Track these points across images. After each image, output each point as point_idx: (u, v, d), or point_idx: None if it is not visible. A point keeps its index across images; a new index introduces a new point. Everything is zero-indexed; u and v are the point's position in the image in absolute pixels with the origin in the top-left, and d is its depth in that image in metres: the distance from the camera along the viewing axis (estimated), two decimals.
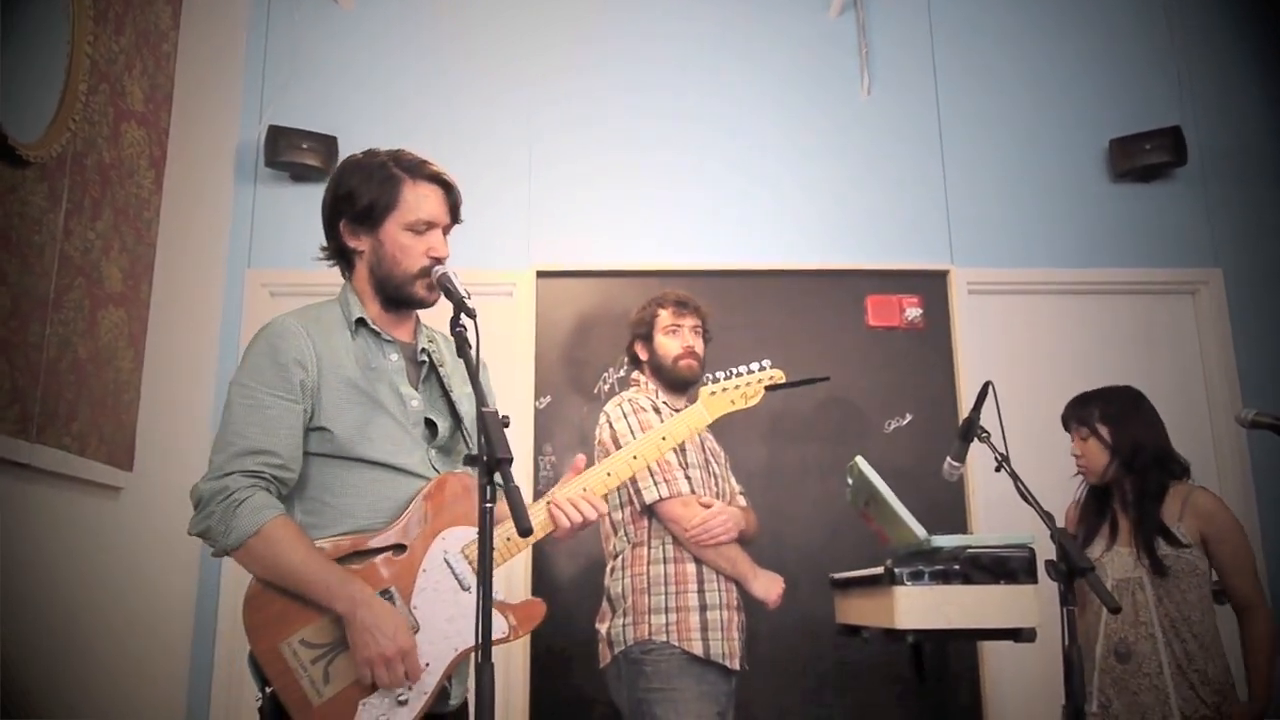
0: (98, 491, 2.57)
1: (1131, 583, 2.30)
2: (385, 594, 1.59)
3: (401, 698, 1.56)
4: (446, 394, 1.78)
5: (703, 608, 2.33)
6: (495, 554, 1.44)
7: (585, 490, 1.77)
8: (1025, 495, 1.98)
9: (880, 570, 2.09)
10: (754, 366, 2.17)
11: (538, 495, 3.05)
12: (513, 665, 3.10)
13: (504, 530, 1.61)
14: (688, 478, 2.40)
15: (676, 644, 2.28)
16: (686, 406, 2.24)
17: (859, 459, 2.28)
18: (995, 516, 3.25)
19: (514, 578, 3.16)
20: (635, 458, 1.92)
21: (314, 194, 1.84)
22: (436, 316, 1.75)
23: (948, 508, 3.25)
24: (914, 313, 3.47)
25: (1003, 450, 2.05)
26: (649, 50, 3.67)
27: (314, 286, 2.78)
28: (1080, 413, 2.42)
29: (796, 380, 2.27)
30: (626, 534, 2.43)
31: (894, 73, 3.70)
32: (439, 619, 1.61)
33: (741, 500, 2.61)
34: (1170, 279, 3.53)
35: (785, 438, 3.36)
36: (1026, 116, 3.66)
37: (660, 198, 3.55)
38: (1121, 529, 2.38)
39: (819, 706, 3.14)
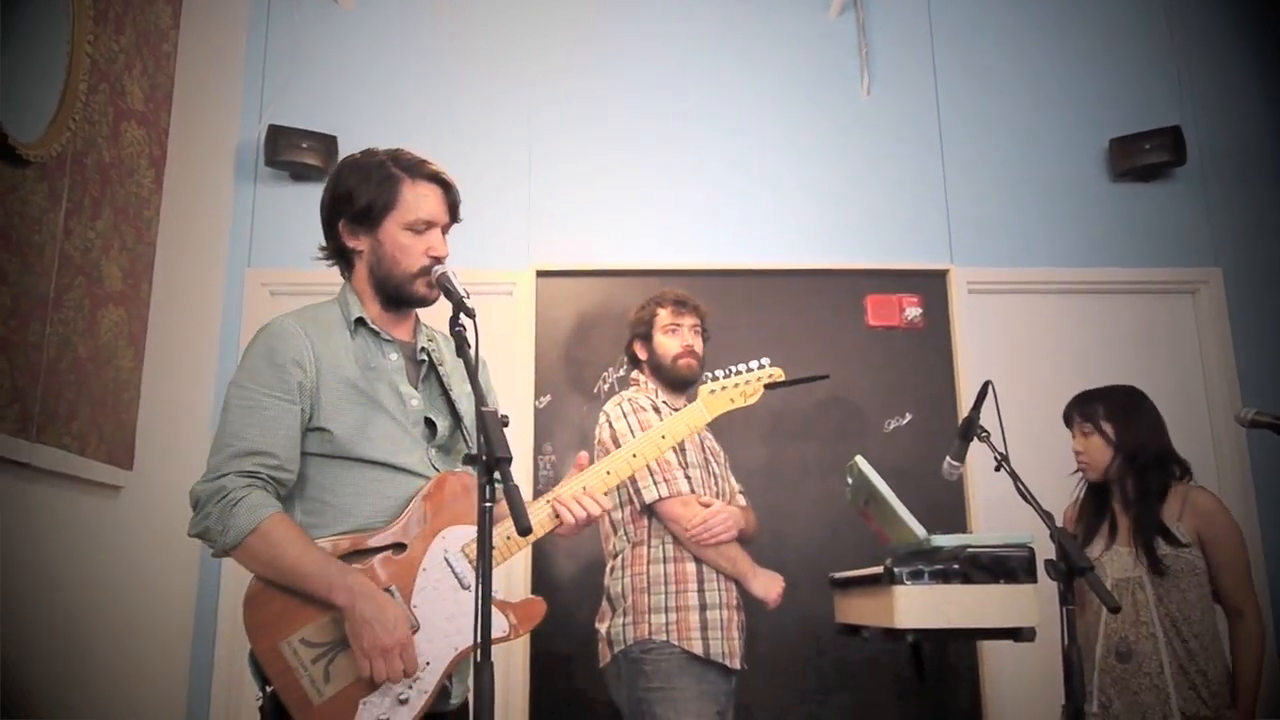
0: (98, 491, 2.57)
1: (1131, 582, 2.30)
2: (386, 593, 1.59)
3: (402, 697, 1.56)
4: (446, 393, 1.78)
5: (703, 607, 2.33)
6: (495, 553, 1.45)
7: (585, 489, 1.77)
8: (1025, 495, 1.98)
9: (880, 570, 2.09)
10: (753, 365, 2.18)
11: (537, 494, 3.04)
12: (512, 664, 3.10)
13: (504, 529, 1.61)
14: (687, 477, 2.40)
15: (676, 643, 2.28)
16: (686, 405, 2.24)
17: (859, 458, 2.28)
18: (995, 516, 3.25)
19: (514, 577, 3.16)
20: (635, 456, 1.92)
21: (314, 193, 1.84)
22: (436, 316, 1.75)
23: (947, 507, 3.26)
24: (914, 312, 3.47)
25: (1002, 450, 2.05)
26: (649, 50, 3.67)
27: (314, 286, 2.78)
28: (1084, 409, 2.42)
29: (796, 378, 2.27)
30: (626, 533, 2.43)
31: (894, 73, 3.70)
32: (439, 618, 1.61)
33: (741, 499, 2.61)
34: (1170, 278, 3.53)
35: (785, 437, 3.36)
36: (1026, 116, 3.66)
37: (660, 198, 3.55)
38: (1121, 528, 2.38)
39: (819, 706, 3.15)
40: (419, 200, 1.73)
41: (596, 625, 2.45)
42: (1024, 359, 3.47)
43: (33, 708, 2.22)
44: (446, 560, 1.65)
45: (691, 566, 2.37)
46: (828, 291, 3.48)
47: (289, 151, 3.38)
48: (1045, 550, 1.93)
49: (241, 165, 3.52)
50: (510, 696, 3.07)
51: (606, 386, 3.37)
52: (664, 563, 2.37)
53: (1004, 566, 2.03)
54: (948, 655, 3.21)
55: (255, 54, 3.60)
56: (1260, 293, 3.51)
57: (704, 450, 2.53)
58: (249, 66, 3.58)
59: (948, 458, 2.28)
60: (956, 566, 2.02)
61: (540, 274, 3.45)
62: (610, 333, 3.32)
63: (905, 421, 3.39)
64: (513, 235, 3.49)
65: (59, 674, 2.36)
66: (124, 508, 2.70)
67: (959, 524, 3.28)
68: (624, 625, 2.34)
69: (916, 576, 2.02)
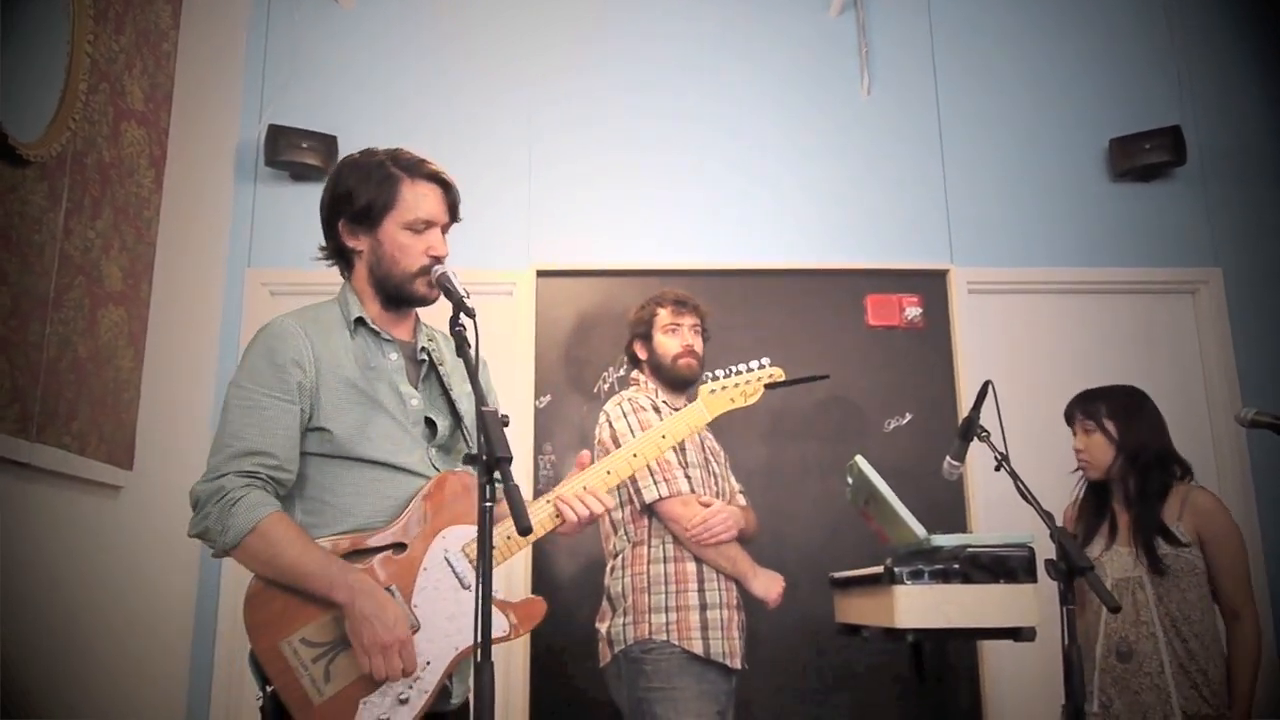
0: (98, 491, 2.57)
1: (1131, 582, 2.30)
2: (386, 592, 1.59)
3: (403, 696, 1.56)
4: (446, 393, 1.78)
5: (703, 607, 2.33)
6: (495, 553, 1.45)
7: (585, 488, 1.77)
8: (1025, 494, 1.98)
9: (880, 569, 2.09)
10: (753, 365, 2.18)
11: (537, 494, 3.04)
12: (513, 664, 3.10)
13: (504, 529, 1.61)
14: (687, 477, 2.40)
15: (677, 643, 2.28)
16: (686, 405, 2.24)
17: (859, 458, 2.28)
18: (995, 516, 3.25)
19: (514, 576, 3.16)
20: (635, 456, 1.92)
21: (314, 193, 1.84)
22: (437, 315, 1.75)
23: (947, 507, 3.26)
24: (914, 312, 3.47)
25: (1002, 449, 2.05)
26: (649, 50, 3.67)
27: (314, 286, 2.78)
28: (1087, 407, 2.42)
29: (796, 378, 2.27)
30: (626, 533, 2.43)
31: (894, 73, 3.70)
32: (439, 617, 1.61)
33: (741, 499, 2.61)
34: (1170, 278, 3.53)
35: (785, 437, 3.36)
36: (1026, 116, 3.66)
37: (660, 198, 3.55)
38: (1121, 528, 2.38)
39: (819, 706, 3.14)
40: (418, 200, 1.73)
41: (597, 625, 2.45)
42: (1024, 359, 3.47)
43: (33, 708, 2.22)
44: (447, 560, 1.65)
45: (692, 566, 2.37)
46: (828, 291, 3.48)
47: (289, 151, 3.38)
48: (1045, 550, 1.93)
49: (241, 165, 3.52)
50: (510, 696, 3.07)
51: (606, 386, 3.37)
52: (664, 562, 2.37)
53: (1004, 566, 2.03)
54: (948, 655, 3.21)
55: (255, 54, 3.60)
56: (1260, 293, 3.51)
57: (704, 450, 2.53)
58: (249, 66, 3.58)
59: (948, 457, 2.28)
60: (956, 566, 2.03)
61: (540, 274, 3.45)
62: (610, 333, 3.32)
63: (905, 421, 3.39)
64: (513, 235, 3.49)
65: (59, 674, 2.36)
66: (124, 508, 2.70)
67: (959, 524, 3.28)
68: (624, 625, 2.34)
69: (916, 576, 2.02)
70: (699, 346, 2.58)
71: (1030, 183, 3.61)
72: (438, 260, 1.71)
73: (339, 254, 1.79)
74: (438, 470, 1.71)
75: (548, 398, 3.37)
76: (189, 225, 3.13)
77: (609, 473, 1.84)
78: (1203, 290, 3.52)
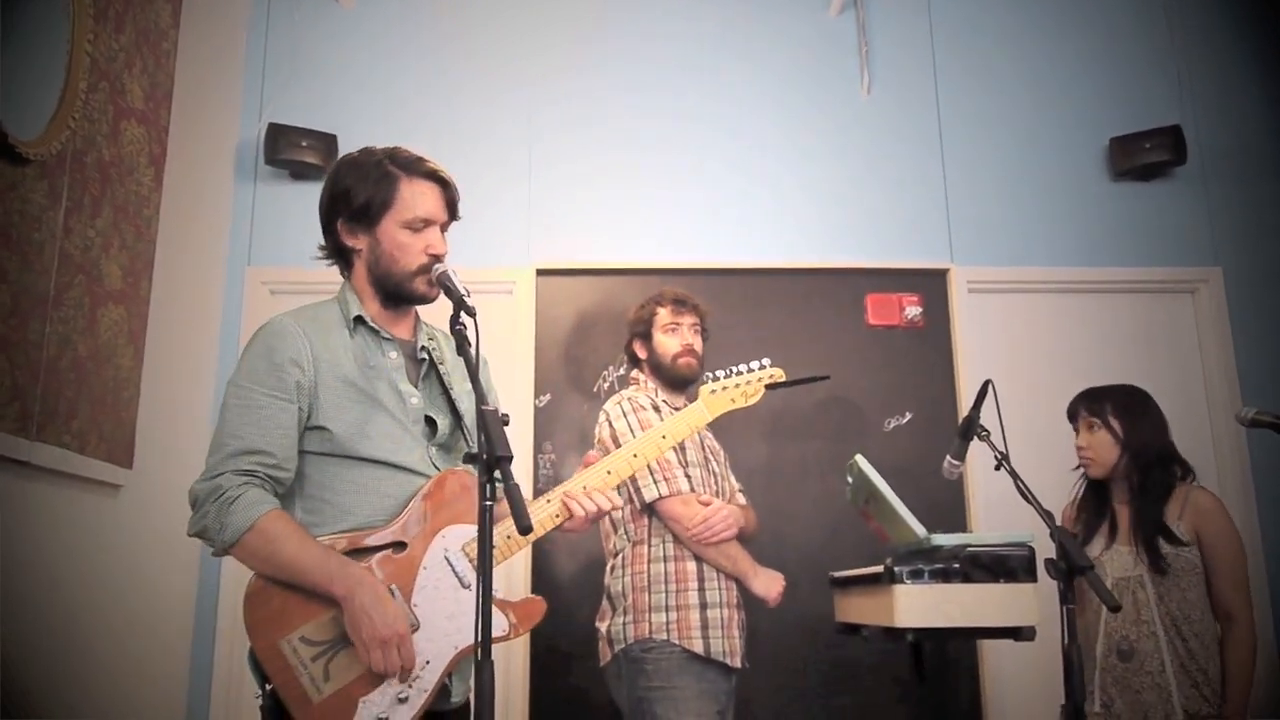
0: (97, 489, 2.57)
1: (1132, 581, 2.30)
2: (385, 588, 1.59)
3: (401, 695, 1.56)
4: (446, 391, 1.77)
5: (703, 606, 2.33)
6: (495, 552, 1.45)
7: (585, 488, 1.77)
8: (1025, 494, 1.98)
9: (880, 569, 2.09)
10: (754, 365, 2.18)
11: (537, 493, 3.05)
12: (513, 663, 3.10)
13: (504, 528, 1.61)
14: (687, 476, 2.40)
15: (677, 642, 2.28)
16: (686, 405, 2.24)
17: (859, 457, 2.28)
18: (995, 515, 3.25)
19: (514, 576, 3.16)
20: (635, 456, 1.92)
21: (314, 192, 1.84)
22: (437, 314, 1.75)
23: (947, 506, 3.26)
24: (914, 311, 3.47)
25: (1002, 449, 2.05)
26: (649, 50, 3.67)
27: (314, 284, 2.77)
28: (1092, 404, 2.41)
29: (796, 379, 2.27)
30: (626, 532, 2.43)
31: (894, 73, 3.70)
32: (439, 616, 1.61)
33: (741, 498, 2.61)
34: (1170, 278, 3.53)
35: (785, 436, 3.36)
36: (1026, 116, 3.66)
37: (660, 198, 3.55)
38: (1121, 527, 2.38)
39: (819, 705, 3.15)
40: (416, 198, 1.73)
41: (597, 624, 2.45)
42: (1024, 358, 3.47)
43: (33, 708, 2.22)
44: (447, 559, 1.65)
45: (692, 565, 2.37)
46: (828, 291, 3.48)
47: (289, 150, 3.38)
48: (1045, 549, 1.93)
49: (241, 164, 3.52)
50: (511, 695, 3.07)
51: (606, 385, 3.37)
52: (664, 561, 2.37)
53: (1004, 565, 2.03)
54: (948, 654, 3.21)
55: (255, 52, 3.59)
56: (1260, 293, 3.51)
57: (704, 449, 2.53)
58: (249, 65, 3.58)
59: (948, 457, 2.28)
60: (956, 566, 2.02)
61: (540, 273, 3.45)
62: (610, 332, 3.32)
63: (905, 421, 3.39)
64: (513, 234, 3.49)
65: (59, 674, 2.36)
66: (124, 507, 2.70)
67: (959, 523, 3.28)
68: (624, 624, 2.34)
69: (916, 575, 2.02)
70: (699, 346, 2.58)
71: (1030, 182, 3.61)
72: (436, 258, 1.71)
73: (338, 253, 1.79)
74: (438, 469, 1.71)
75: (547, 397, 3.37)
76: (189, 224, 3.13)
77: (609, 473, 1.84)
78: (1203, 290, 3.52)
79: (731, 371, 2.16)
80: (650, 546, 2.39)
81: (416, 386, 1.75)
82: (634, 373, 2.65)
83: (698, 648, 2.29)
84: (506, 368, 3.30)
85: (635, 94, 3.63)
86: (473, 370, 1.52)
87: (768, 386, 2.20)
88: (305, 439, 1.65)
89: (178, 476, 2.79)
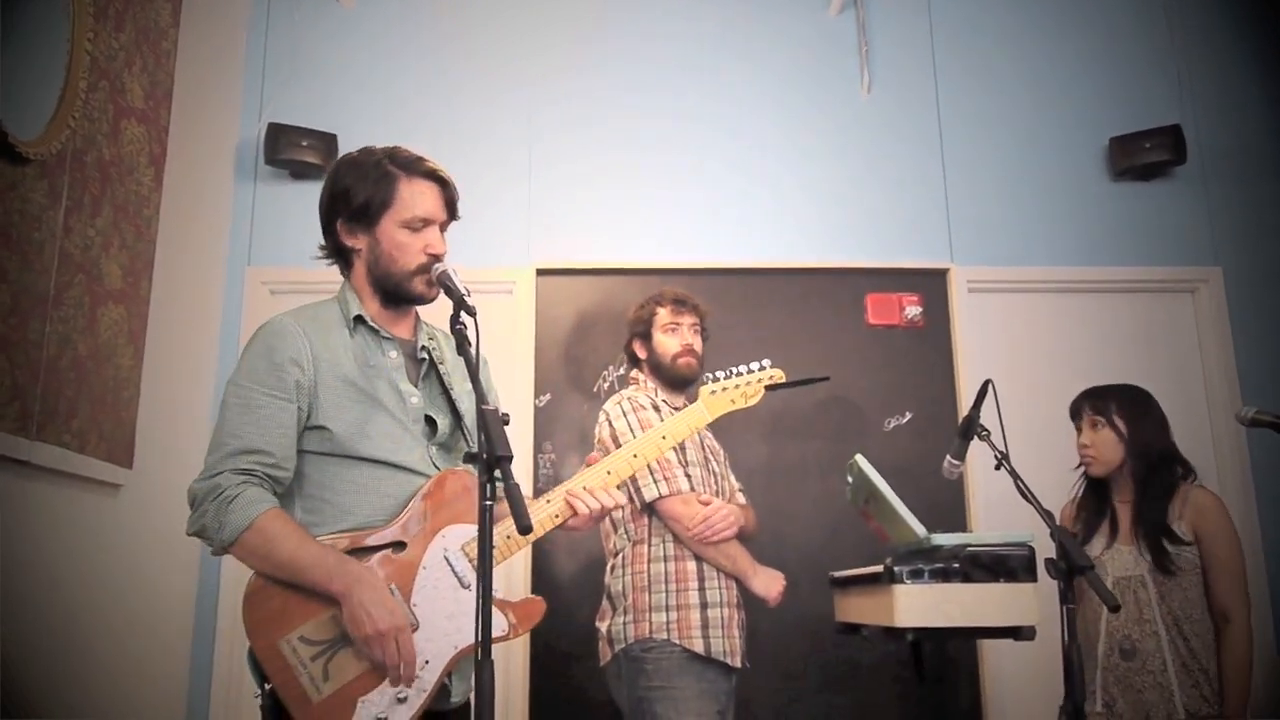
0: (97, 489, 2.57)
1: (1133, 580, 2.30)
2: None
3: (401, 695, 1.56)
4: (446, 391, 1.77)
5: (703, 605, 2.33)
6: (495, 552, 1.44)
7: (585, 488, 1.77)
8: (1025, 493, 1.98)
9: (880, 568, 2.09)
10: (754, 366, 2.18)
11: (537, 493, 3.05)
12: (513, 663, 3.10)
13: (504, 528, 1.61)
14: (687, 475, 2.40)
15: (677, 642, 2.28)
16: (685, 405, 2.24)
17: (859, 457, 2.28)
18: (995, 515, 3.25)
19: (514, 576, 3.16)
20: (635, 456, 1.92)
21: (314, 192, 1.83)
22: (437, 314, 1.75)
23: (947, 506, 3.26)
24: (914, 311, 3.47)
25: (1002, 448, 2.05)
26: (649, 50, 3.67)
27: (314, 284, 2.77)
28: (1096, 402, 2.42)
29: (796, 380, 2.27)
30: (627, 532, 2.43)
31: (894, 72, 3.70)
32: (439, 616, 1.61)
33: (741, 498, 2.61)
34: (1170, 277, 3.53)
35: (785, 436, 3.36)
36: (1026, 116, 3.66)
37: (660, 198, 3.55)
38: (1122, 526, 2.38)
39: (819, 705, 3.15)
40: (416, 198, 1.73)
41: (597, 624, 2.45)
42: (1024, 358, 3.47)
43: (33, 708, 2.22)
44: (446, 559, 1.65)
45: (692, 565, 2.37)
46: (828, 291, 3.48)
47: (289, 150, 3.38)
48: (1045, 549, 1.93)
49: (241, 163, 3.52)
50: (510, 695, 3.07)
51: (606, 385, 3.37)
52: (664, 561, 2.37)
53: (1004, 565, 2.03)
54: (948, 654, 3.21)
55: (255, 52, 3.59)
56: (1260, 292, 3.51)
57: (704, 449, 2.53)
58: (249, 65, 3.58)
59: (948, 456, 2.28)
60: (956, 565, 2.02)
61: (540, 273, 3.45)
62: (610, 331, 3.32)
63: (905, 420, 3.39)
64: (513, 234, 3.49)
65: (59, 674, 2.36)
66: (124, 506, 2.70)
67: (959, 523, 3.28)
68: (625, 624, 2.34)
69: (916, 575, 2.02)
70: (698, 346, 2.58)
71: (1030, 182, 3.61)
72: (436, 258, 1.71)
73: (338, 253, 1.79)
74: (438, 469, 1.71)
75: (547, 396, 3.37)
76: (189, 223, 3.13)
77: (609, 472, 1.84)
78: (1203, 290, 3.52)
79: (732, 372, 2.16)
80: (650, 546, 2.39)
81: (416, 386, 1.75)
82: (634, 373, 2.65)
83: (698, 647, 2.29)
84: (506, 368, 3.30)
85: (635, 94, 3.63)
86: (473, 370, 1.52)
87: (768, 388, 2.20)
88: (305, 438, 1.65)
89: (178, 476, 2.79)
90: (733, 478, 2.65)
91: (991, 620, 2.03)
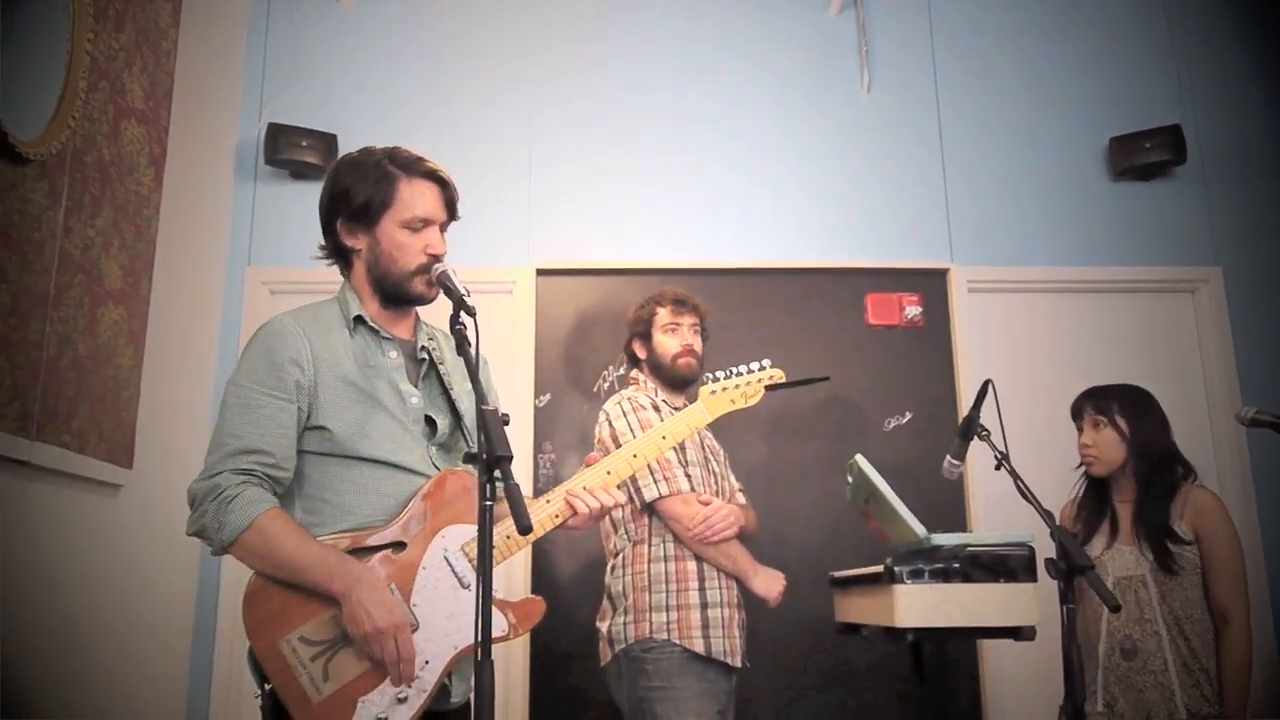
0: (97, 489, 2.57)
1: (1134, 580, 2.31)
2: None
3: (401, 695, 1.56)
4: (446, 391, 1.77)
5: (704, 605, 2.33)
6: (495, 552, 1.45)
7: (585, 488, 1.77)
8: (1025, 493, 1.98)
9: (880, 569, 2.09)
10: (754, 366, 2.18)
11: (537, 493, 3.05)
12: (513, 663, 3.10)
13: (504, 528, 1.61)
14: (688, 475, 2.40)
15: (678, 642, 2.28)
16: (685, 405, 2.24)
17: (859, 457, 2.28)
18: (995, 515, 3.25)
19: (514, 576, 3.16)
20: (635, 456, 1.92)
21: (314, 192, 1.84)
22: (437, 314, 1.75)
23: (947, 506, 3.26)
24: (914, 311, 3.47)
25: (1002, 448, 2.05)
26: (649, 50, 3.67)
27: (314, 284, 2.77)
28: (1098, 402, 2.42)
29: (796, 380, 2.27)
30: (627, 532, 2.43)
31: (894, 72, 3.70)
32: (439, 616, 1.61)
33: (741, 498, 2.61)
34: (1170, 277, 3.53)
35: (785, 436, 3.36)
36: (1026, 116, 3.66)
37: (660, 198, 3.55)
38: (1122, 526, 2.38)
39: (819, 704, 3.14)
40: (415, 198, 1.73)
41: (597, 624, 2.45)
42: (1024, 358, 3.47)
43: (33, 708, 2.22)
44: (446, 559, 1.65)
45: (692, 565, 2.37)
46: (828, 291, 3.48)
47: (289, 150, 3.38)
48: (1045, 549, 1.93)
49: (241, 163, 3.52)
50: (511, 695, 3.07)
51: (606, 385, 3.37)
52: (665, 561, 2.37)
53: (1004, 565, 2.03)
54: (948, 654, 3.21)
55: (255, 52, 3.59)
56: (1260, 293, 3.51)
57: (704, 449, 2.53)
58: (249, 65, 3.58)
59: (948, 457, 2.28)
60: (957, 565, 2.02)
61: (540, 273, 3.45)
62: (610, 331, 3.32)
63: (905, 420, 3.39)
64: (513, 234, 3.49)
65: (59, 674, 2.36)
66: (124, 506, 2.70)
67: (959, 523, 3.28)
68: (625, 624, 2.34)
69: (917, 575, 2.02)
70: (698, 346, 2.58)
71: (1030, 182, 3.61)
72: (436, 258, 1.71)
73: (338, 253, 1.79)
74: (438, 469, 1.71)
75: (547, 396, 3.37)
76: (189, 223, 3.13)
77: (609, 472, 1.84)
78: (1203, 290, 3.52)
79: (731, 372, 2.16)
80: (651, 546, 2.39)
81: (416, 386, 1.75)
82: (634, 373, 2.65)
83: (698, 647, 2.29)
84: (506, 368, 3.30)
85: (635, 94, 3.63)
86: (473, 370, 1.52)
87: (768, 388, 2.20)
88: (305, 439, 1.65)
89: (178, 476, 2.79)
90: (733, 478, 2.65)
91: (991, 620, 2.03)
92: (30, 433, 2.21)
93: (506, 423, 1.43)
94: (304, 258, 1.95)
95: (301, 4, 3.61)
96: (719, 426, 2.37)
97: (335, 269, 1.82)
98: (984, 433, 2.13)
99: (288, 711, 1.53)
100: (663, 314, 2.58)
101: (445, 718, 1.65)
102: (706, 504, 2.37)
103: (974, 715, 3.18)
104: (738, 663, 2.35)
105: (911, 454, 3.30)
